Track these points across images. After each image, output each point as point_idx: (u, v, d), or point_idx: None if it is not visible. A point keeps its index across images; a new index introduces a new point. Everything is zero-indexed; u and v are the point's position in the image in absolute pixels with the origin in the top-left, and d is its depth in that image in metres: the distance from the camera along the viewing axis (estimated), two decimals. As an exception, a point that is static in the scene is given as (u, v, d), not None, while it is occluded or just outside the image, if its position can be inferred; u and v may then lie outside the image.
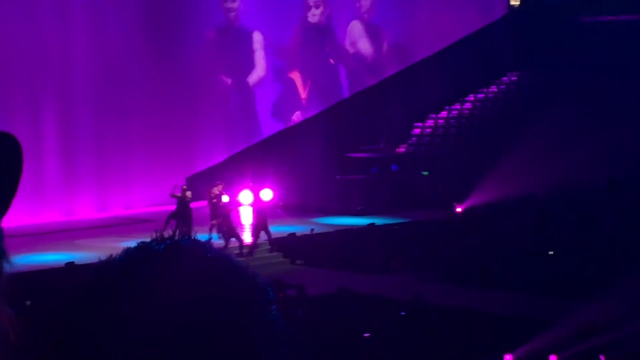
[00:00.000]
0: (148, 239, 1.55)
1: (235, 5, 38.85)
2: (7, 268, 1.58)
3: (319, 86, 41.38)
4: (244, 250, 27.36)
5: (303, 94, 41.00)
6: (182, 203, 27.89)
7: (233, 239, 27.41)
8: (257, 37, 39.58)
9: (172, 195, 28.21)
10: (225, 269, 1.51)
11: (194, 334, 1.43)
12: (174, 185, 28.70)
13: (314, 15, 41.22)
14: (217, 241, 27.59)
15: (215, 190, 28.35)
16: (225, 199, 28.48)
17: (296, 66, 40.99)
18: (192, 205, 28.34)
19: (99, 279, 1.50)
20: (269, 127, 39.91)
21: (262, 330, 1.48)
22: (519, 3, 45.68)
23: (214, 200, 28.07)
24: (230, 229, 27.24)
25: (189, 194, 28.03)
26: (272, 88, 40.19)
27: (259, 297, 1.51)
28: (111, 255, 1.54)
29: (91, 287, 1.50)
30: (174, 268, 1.47)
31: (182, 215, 27.66)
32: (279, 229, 28.76)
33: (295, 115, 40.59)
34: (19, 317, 1.55)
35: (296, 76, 40.99)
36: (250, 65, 39.61)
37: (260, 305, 1.51)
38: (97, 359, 1.43)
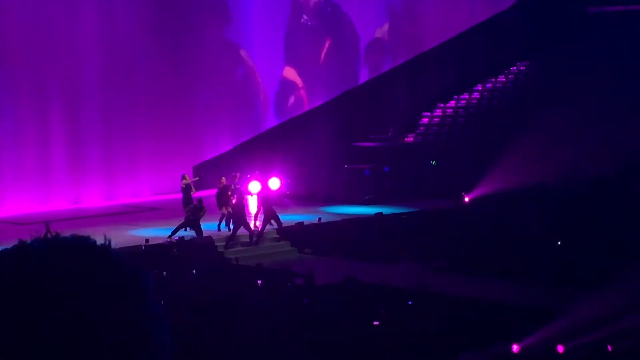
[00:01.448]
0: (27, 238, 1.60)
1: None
2: None
3: (327, 75, 41.33)
4: (253, 239, 27.38)
5: (310, 83, 40.95)
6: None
7: (241, 228, 27.40)
8: (264, 29, 39.53)
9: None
10: (101, 262, 1.55)
11: (73, 326, 1.45)
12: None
13: (321, 4, 41.16)
14: (225, 230, 27.64)
15: (224, 181, 28.39)
16: (255, 187, 28.56)
17: (304, 55, 40.94)
18: (201, 193, 28.43)
19: None
20: (276, 116, 39.89)
21: (140, 319, 1.51)
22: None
23: (231, 190, 28.11)
24: (240, 218, 27.22)
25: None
26: (279, 77, 40.15)
27: (135, 288, 1.54)
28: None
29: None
30: (51, 264, 1.50)
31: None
32: (287, 218, 28.76)
33: (301, 104, 40.56)
34: None
35: (303, 66, 40.93)
36: (257, 54, 39.56)
37: (138, 295, 1.53)
38: None
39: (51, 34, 33.30)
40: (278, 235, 28.24)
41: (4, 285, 1.50)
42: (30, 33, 32.83)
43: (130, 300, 1.53)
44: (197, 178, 30.20)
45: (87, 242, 1.60)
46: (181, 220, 27.22)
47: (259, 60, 39.59)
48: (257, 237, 27.62)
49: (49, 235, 1.60)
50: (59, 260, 1.52)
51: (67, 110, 33.87)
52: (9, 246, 1.58)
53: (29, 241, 1.58)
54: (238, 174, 29.12)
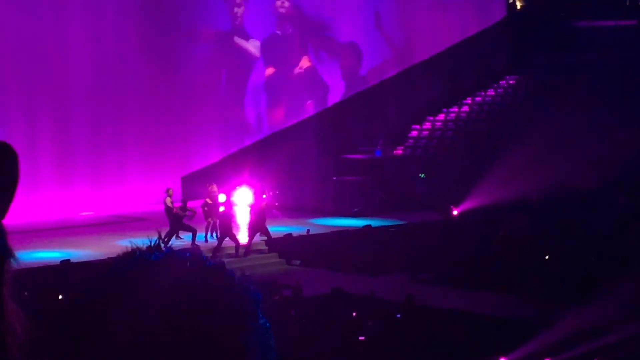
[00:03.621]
0: (146, 244, 1.58)
1: (240, 10, 38.85)
2: (13, 264, 1.60)
3: (316, 88, 41.38)
4: (240, 251, 27.33)
5: (299, 95, 40.98)
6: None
7: (227, 239, 27.35)
8: (255, 38, 39.57)
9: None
10: (220, 280, 1.55)
11: (188, 342, 1.45)
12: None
13: (311, 15, 41.23)
14: (213, 241, 27.59)
15: (212, 190, 28.37)
16: (222, 198, 28.48)
17: (293, 66, 40.98)
18: (190, 204, 28.41)
19: (96, 286, 1.52)
20: (266, 127, 39.91)
21: (252, 339, 1.52)
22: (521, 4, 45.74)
23: (210, 201, 28.10)
24: (226, 229, 27.19)
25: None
26: (269, 88, 40.17)
27: (251, 308, 1.55)
28: (112, 260, 1.57)
29: (90, 292, 1.52)
30: (169, 278, 1.50)
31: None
32: (275, 229, 28.75)
33: (291, 114, 40.59)
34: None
35: (293, 76, 40.97)
36: (247, 65, 39.59)
37: (252, 316, 1.54)
38: (95, 356, 1.45)
39: (39, 42, 33.25)
40: (266, 247, 28.23)
41: (122, 294, 1.49)
42: (18, 41, 32.78)
43: (247, 323, 1.53)
44: (189, 212, 29.16)
45: (204, 260, 1.61)
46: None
47: (249, 69, 39.60)
48: (245, 249, 27.61)
49: (160, 246, 1.60)
50: (182, 277, 1.52)
51: (55, 120, 33.80)
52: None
53: (147, 252, 1.57)
54: (215, 185, 28.90)
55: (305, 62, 41.25)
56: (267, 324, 1.59)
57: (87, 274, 22.90)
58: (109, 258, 20.41)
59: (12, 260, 1.59)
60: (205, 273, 1.57)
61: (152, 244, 1.60)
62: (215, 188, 28.57)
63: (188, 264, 1.57)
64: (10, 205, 1.61)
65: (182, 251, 1.61)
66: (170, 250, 1.60)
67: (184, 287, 1.51)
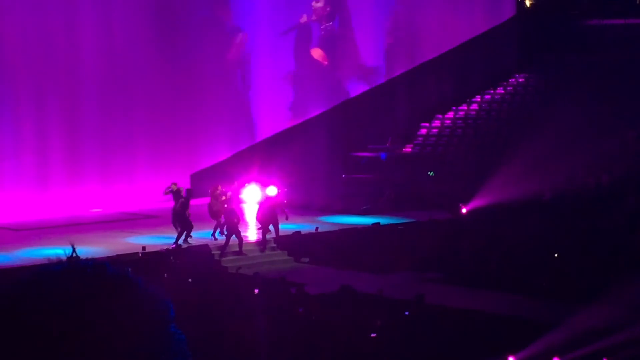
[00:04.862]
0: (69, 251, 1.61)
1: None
2: None
3: (326, 85, 41.36)
4: (259, 246, 27.26)
5: (309, 92, 40.96)
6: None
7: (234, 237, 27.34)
8: (263, 36, 39.55)
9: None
10: (125, 287, 1.55)
11: (93, 350, 1.45)
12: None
13: (320, 14, 41.19)
14: (220, 238, 27.59)
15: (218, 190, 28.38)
16: (229, 196, 28.48)
17: (303, 64, 40.95)
18: (195, 202, 28.41)
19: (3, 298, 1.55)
20: (274, 125, 39.89)
21: (160, 348, 1.51)
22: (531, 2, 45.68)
23: (223, 198, 28.09)
24: (232, 227, 27.16)
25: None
26: (278, 86, 40.15)
27: (159, 313, 1.55)
28: (21, 274, 1.60)
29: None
30: (72, 288, 1.51)
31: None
32: (284, 227, 28.75)
33: (300, 113, 40.57)
34: None
35: (303, 74, 40.94)
36: (256, 63, 39.57)
37: (158, 324, 1.54)
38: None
39: (50, 41, 33.30)
40: (275, 245, 28.23)
41: (22, 311, 1.50)
42: (29, 40, 32.84)
43: (154, 330, 1.53)
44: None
45: (107, 270, 1.60)
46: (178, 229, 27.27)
47: (258, 67, 39.59)
48: (262, 245, 27.66)
49: (72, 256, 1.61)
50: (80, 291, 1.52)
51: (64, 118, 33.86)
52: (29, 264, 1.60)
53: (52, 265, 1.59)
54: (219, 184, 28.84)
55: (314, 60, 41.21)
56: (180, 335, 1.58)
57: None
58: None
59: None
60: (107, 282, 1.57)
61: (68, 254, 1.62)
62: (219, 190, 28.51)
63: (90, 273, 1.58)
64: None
65: (85, 261, 1.62)
66: (72, 260, 1.62)
67: (83, 296, 1.52)
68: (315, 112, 40.52)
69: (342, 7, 41.55)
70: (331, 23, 41.16)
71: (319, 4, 40.71)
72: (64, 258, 1.62)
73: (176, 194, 27.86)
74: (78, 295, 1.53)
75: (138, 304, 1.56)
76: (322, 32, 41.13)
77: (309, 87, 40.86)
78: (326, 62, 40.87)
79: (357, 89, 42.12)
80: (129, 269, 1.64)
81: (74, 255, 1.63)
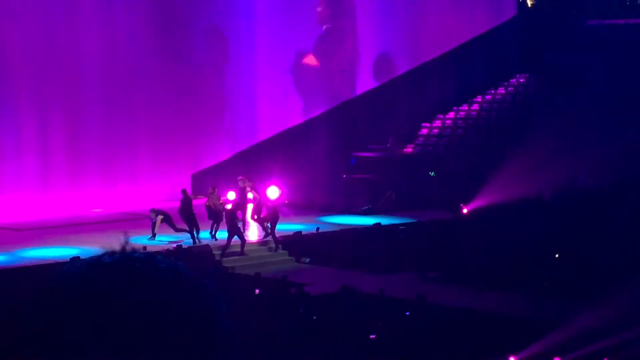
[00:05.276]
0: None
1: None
2: None
3: (327, 84, 41.35)
4: (242, 248, 27.28)
5: (311, 92, 40.96)
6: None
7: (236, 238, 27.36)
8: (265, 36, 39.55)
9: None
10: (175, 280, 1.55)
11: (145, 340, 1.45)
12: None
13: (322, 14, 41.20)
14: (221, 239, 27.60)
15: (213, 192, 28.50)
16: (231, 195, 28.51)
17: (304, 64, 40.95)
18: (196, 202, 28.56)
19: (55, 294, 1.54)
20: (276, 125, 39.88)
21: (212, 337, 1.51)
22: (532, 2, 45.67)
23: (221, 201, 28.19)
24: (233, 227, 27.14)
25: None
26: (280, 86, 40.15)
27: (209, 305, 1.54)
28: (68, 265, 1.59)
29: (54, 299, 1.53)
30: (124, 279, 1.51)
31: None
32: (285, 227, 28.76)
33: (302, 112, 40.56)
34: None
35: (304, 74, 40.94)
36: (257, 63, 39.56)
37: (211, 313, 1.54)
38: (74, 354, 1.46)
39: (51, 41, 33.31)
40: (271, 246, 28.16)
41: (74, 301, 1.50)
42: (31, 40, 32.85)
43: (201, 322, 1.52)
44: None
45: (157, 263, 1.59)
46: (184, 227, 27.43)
47: (260, 67, 39.58)
48: (275, 243, 27.72)
49: (123, 248, 1.60)
50: (130, 284, 1.51)
51: (66, 117, 33.86)
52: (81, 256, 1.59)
53: (104, 257, 1.58)
54: (216, 187, 28.96)
55: (315, 60, 41.23)
56: (230, 327, 1.58)
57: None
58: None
59: None
60: (158, 274, 1.56)
61: (122, 246, 1.62)
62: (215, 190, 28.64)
63: (138, 265, 1.57)
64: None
65: (138, 253, 1.61)
66: (124, 253, 1.61)
67: (134, 289, 1.51)
68: (316, 112, 40.51)
69: (344, 7, 41.54)
70: (330, 25, 41.15)
71: (320, 7, 40.75)
72: (116, 249, 1.62)
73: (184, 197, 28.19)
74: (128, 288, 1.52)
75: (187, 296, 1.55)
76: (324, 33, 41.15)
77: (311, 87, 40.86)
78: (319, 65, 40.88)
79: (358, 89, 42.11)
80: (179, 262, 1.63)
81: (126, 246, 1.62)
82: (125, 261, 1.59)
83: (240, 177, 29.93)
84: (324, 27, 41.20)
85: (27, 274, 21.44)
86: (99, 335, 1.47)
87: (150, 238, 27.52)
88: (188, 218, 27.46)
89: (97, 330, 1.47)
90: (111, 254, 1.61)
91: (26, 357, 1.49)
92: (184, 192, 28.38)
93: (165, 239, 27.58)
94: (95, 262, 1.59)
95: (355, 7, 41.88)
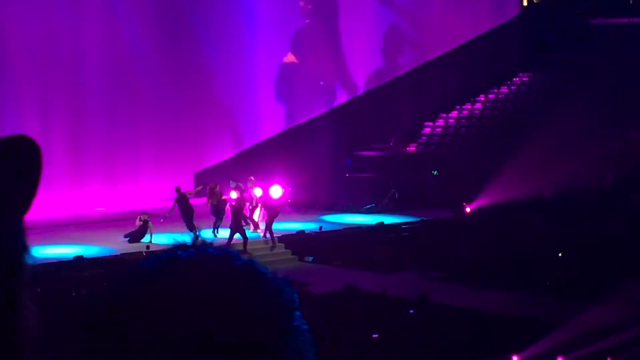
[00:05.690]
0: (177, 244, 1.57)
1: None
2: (29, 261, 1.59)
3: (330, 85, 41.36)
4: (263, 246, 27.33)
5: (313, 91, 40.96)
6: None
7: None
8: (268, 34, 39.55)
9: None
10: (251, 278, 1.52)
11: (219, 340, 1.43)
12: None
13: (323, 12, 41.20)
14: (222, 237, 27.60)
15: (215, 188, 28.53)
16: (233, 195, 28.53)
17: (307, 63, 40.95)
18: (193, 201, 28.62)
19: (125, 287, 1.51)
20: (279, 124, 39.90)
21: (285, 342, 1.49)
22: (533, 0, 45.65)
23: (223, 198, 28.20)
24: (237, 226, 27.16)
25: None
26: (282, 85, 40.16)
27: (285, 309, 1.52)
28: (141, 260, 1.56)
29: (120, 292, 1.50)
30: (200, 277, 1.48)
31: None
32: (288, 226, 28.77)
33: (304, 111, 40.57)
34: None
35: (307, 73, 40.94)
36: (260, 62, 39.56)
37: (286, 317, 1.51)
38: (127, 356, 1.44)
39: (54, 41, 33.33)
40: (280, 243, 28.20)
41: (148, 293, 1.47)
42: (33, 40, 32.86)
43: (280, 324, 1.50)
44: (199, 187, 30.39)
45: (233, 260, 1.55)
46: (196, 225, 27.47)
47: (261, 67, 39.59)
48: (272, 243, 27.75)
49: (197, 242, 1.57)
50: (205, 281, 1.48)
51: (69, 116, 33.88)
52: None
53: (177, 251, 1.55)
54: (217, 184, 29.01)
55: (318, 59, 41.21)
56: (305, 326, 1.55)
57: (99, 270, 22.98)
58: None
59: (27, 257, 1.59)
60: (234, 272, 1.53)
61: (192, 240, 1.58)
62: (216, 187, 28.67)
63: (217, 262, 1.54)
64: (32, 202, 1.60)
65: (213, 248, 1.58)
66: (199, 247, 1.57)
67: (211, 287, 1.48)
68: (319, 111, 40.51)
69: (345, 5, 41.54)
70: (308, 20, 41.02)
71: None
72: (190, 243, 1.58)
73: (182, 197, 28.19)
74: (203, 286, 1.49)
75: (261, 295, 1.52)
76: (306, 28, 41.07)
77: (314, 86, 40.85)
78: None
79: (360, 88, 42.10)
80: (255, 260, 1.61)
81: (200, 240, 1.59)
82: (201, 257, 1.56)
83: (251, 178, 29.99)
84: (307, 21, 41.09)
85: (148, 260, 21.39)
86: (172, 333, 1.45)
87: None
88: (186, 216, 27.47)
89: (169, 328, 1.45)
90: (185, 247, 1.58)
91: (106, 354, 1.48)
92: (177, 190, 28.43)
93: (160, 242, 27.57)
94: (171, 257, 1.56)
95: (356, 5, 41.82)
